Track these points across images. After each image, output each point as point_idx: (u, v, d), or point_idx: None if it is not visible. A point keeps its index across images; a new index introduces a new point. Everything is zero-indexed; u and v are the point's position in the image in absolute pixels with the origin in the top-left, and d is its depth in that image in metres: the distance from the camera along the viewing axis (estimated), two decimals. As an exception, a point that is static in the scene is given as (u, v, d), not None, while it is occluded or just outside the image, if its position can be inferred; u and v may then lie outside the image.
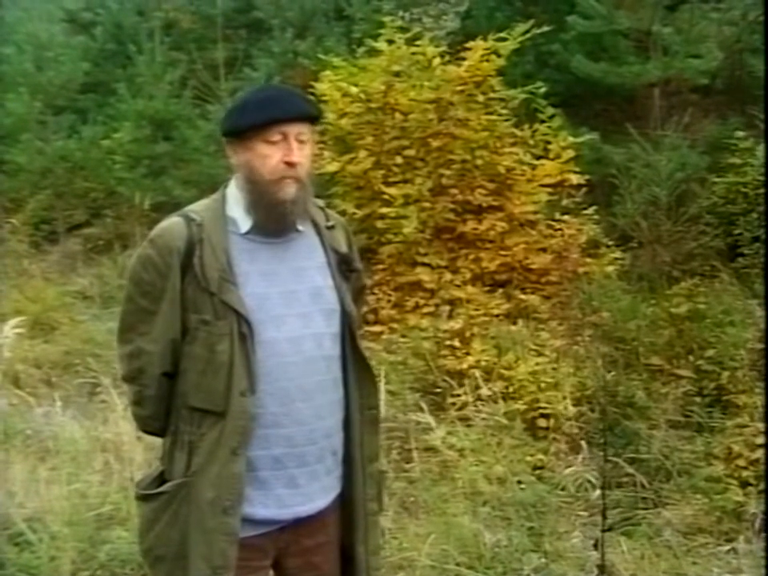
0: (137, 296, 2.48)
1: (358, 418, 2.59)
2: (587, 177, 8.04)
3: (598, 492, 4.72)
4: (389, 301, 7.28)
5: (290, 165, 2.40)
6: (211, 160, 10.81)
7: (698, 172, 8.69)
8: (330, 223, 2.62)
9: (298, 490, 2.48)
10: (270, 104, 2.44)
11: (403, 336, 6.78)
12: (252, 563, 2.47)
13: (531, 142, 7.82)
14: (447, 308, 6.87)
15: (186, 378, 2.44)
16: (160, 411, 2.51)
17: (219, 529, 2.39)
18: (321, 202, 2.67)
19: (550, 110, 7.77)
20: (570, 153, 7.65)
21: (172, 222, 2.47)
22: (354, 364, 2.58)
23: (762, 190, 7.95)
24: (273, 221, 2.46)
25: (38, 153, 11.52)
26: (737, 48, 9.90)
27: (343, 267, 2.61)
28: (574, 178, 7.59)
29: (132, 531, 4.52)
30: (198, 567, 2.40)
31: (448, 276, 7.28)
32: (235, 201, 2.49)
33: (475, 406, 5.89)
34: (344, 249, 2.63)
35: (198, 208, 2.51)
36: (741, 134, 8.34)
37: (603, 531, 3.96)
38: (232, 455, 2.38)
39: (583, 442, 5.51)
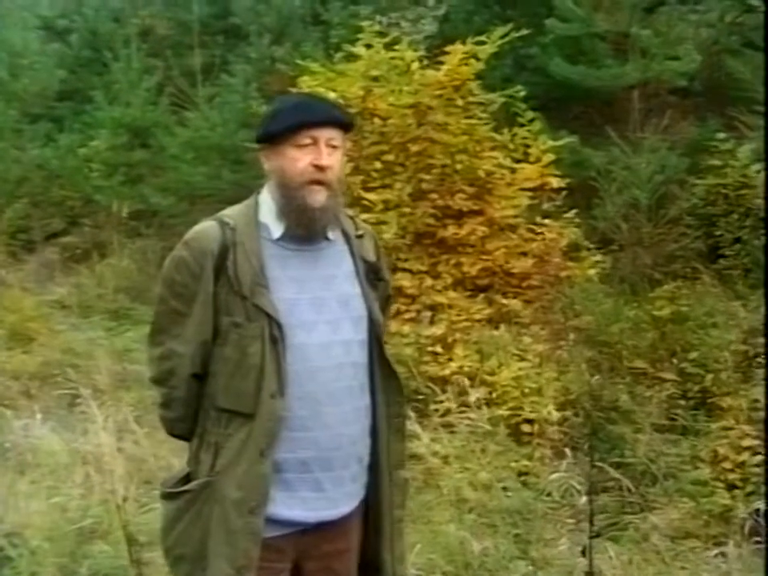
0: (169, 298, 2.53)
1: (385, 426, 2.62)
2: (567, 180, 8.02)
3: (584, 498, 4.69)
4: (370, 307, 7.20)
5: (319, 168, 2.44)
6: (189, 167, 10.76)
7: (677, 174, 8.69)
8: (359, 232, 2.67)
9: (323, 494, 2.50)
10: (301, 109, 2.51)
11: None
12: (272, 564, 2.48)
13: (511, 145, 7.79)
14: (429, 313, 6.83)
15: (215, 380, 2.48)
16: (188, 413, 2.54)
17: (244, 529, 2.41)
18: (350, 212, 2.73)
19: (530, 114, 7.74)
20: (551, 156, 7.63)
21: (206, 226, 2.52)
22: (381, 371, 2.61)
23: (742, 191, 7.97)
24: (302, 226, 2.50)
25: (14, 161, 11.43)
26: (715, 50, 9.91)
27: (371, 276, 2.65)
28: (555, 182, 7.57)
29: (113, 545, 4.48)
30: (219, 567, 2.42)
31: (429, 281, 7.23)
32: (268, 207, 2.53)
33: (459, 412, 5.86)
34: (372, 258, 2.67)
35: (231, 213, 2.55)
36: (722, 135, 8.35)
37: (591, 537, 3.92)
38: (260, 456, 2.41)
39: (567, 448, 5.49)
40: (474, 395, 5.92)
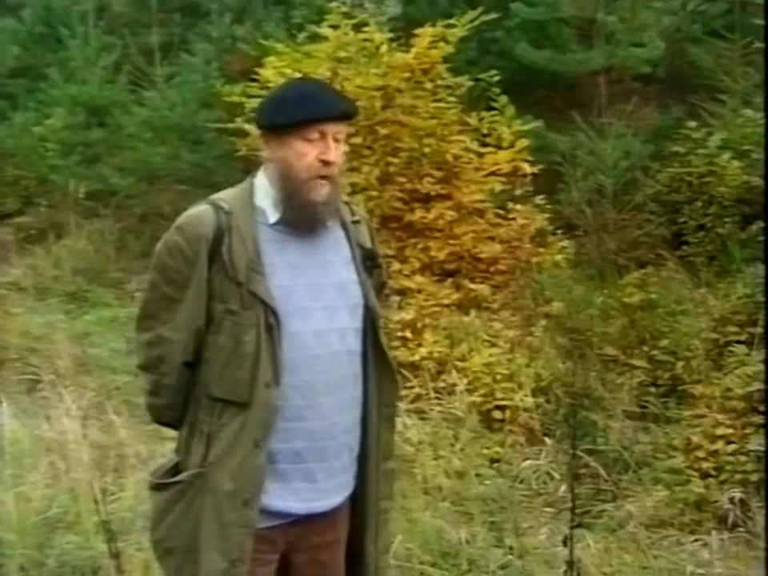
0: (162, 283, 2.46)
1: (376, 415, 2.58)
2: (531, 165, 8.01)
3: (562, 487, 4.69)
4: (337, 291, 7.15)
5: (326, 163, 2.39)
6: (148, 147, 10.56)
7: (642, 160, 8.73)
8: (355, 218, 2.62)
9: (315, 485, 2.47)
10: (309, 101, 2.41)
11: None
12: (262, 555, 2.44)
13: (482, 130, 7.75)
14: (397, 298, 6.78)
15: (208, 368, 2.42)
16: (178, 401, 2.49)
17: (238, 521, 2.36)
18: (346, 198, 2.68)
19: (503, 98, 7.71)
20: (524, 142, 7.60)
21: (200, 210, 2.45)
22: (375, 360, 2.56)
23: (706, 179, 8.03)
24: (304, 220, 2.45)
25: (-35, 140, 11.16)
26: (677, 37, 9.98)
27: (368, 263, 2.61)
28: (526, 167, 7.55)
29: (82, 535, 4.39)
30: (212, 560, 2.37)
31: (396, 265, 7.19)
32: (264, 191, 2.47)
33: (430, 398, 5.84)
34: (368, 244, 2.63)
35: (226, 196, 2.49)
36: (692, 124, 8.39)
37: (572, 527, 3.90)
38: (254, 447, 2.36)
39: (540, 435, 5.49)
40: (445, 381, 5.91)
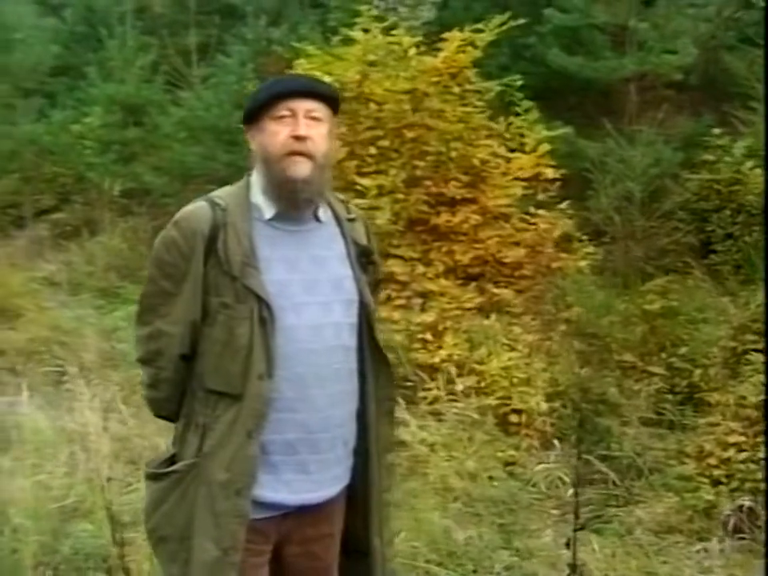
0: (159, 278, 2.50)
1: (374, 409, 2.60)
2: (561, 171, 8.01)
3: (570, 490, 4.68)
4: (361, 292, 7.19)
5: (298, 138, 2.42)
6: (182, 146, 10.69)
7: (671, 168, 8.69)
8: (351, 216, 2.65)
9: (308, 477, 2.50)
10: (276, 83, 2.52)
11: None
12: (255, 546, 2.47)
13: (507, 134, 7.76)
14: (419, 300, 6.81)
15: (203, 361, 2.46)
16: (175, 394, 2.53)
17: (231, 511, 2.40)
18: (342, 196, 2.71)
19: (526, 103, 7.72)
20: (546, 146, 7.60)
21: (197, 206, 2.50)
22: (371, 355, 2.59)
23: (735, 187, 7.97)
24: (284, 198, 2.47)
25: (5, 136, 11.33)
26: (711, 45, 9.90)
27: (363, 259, 2.64)
28: (550, 172, 7.55)
29: (96, 524, 4.46)
30: (205, 548, 2.40)
31: (421, 268, 7.21)
32: (258, 187, 2.51)
33: (447, 400, 5.86)
34: (364, 241, 2.66)
35: (223, 194, 2.53)
36: (717, 131, 8.34)
37: (576, 530, 3.91)
38: (247, 438, 2.39)
39: (555, 439, 5.49)
40: (462, 384, 5.93)
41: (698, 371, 5.81)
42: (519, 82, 7.71)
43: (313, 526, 2.56)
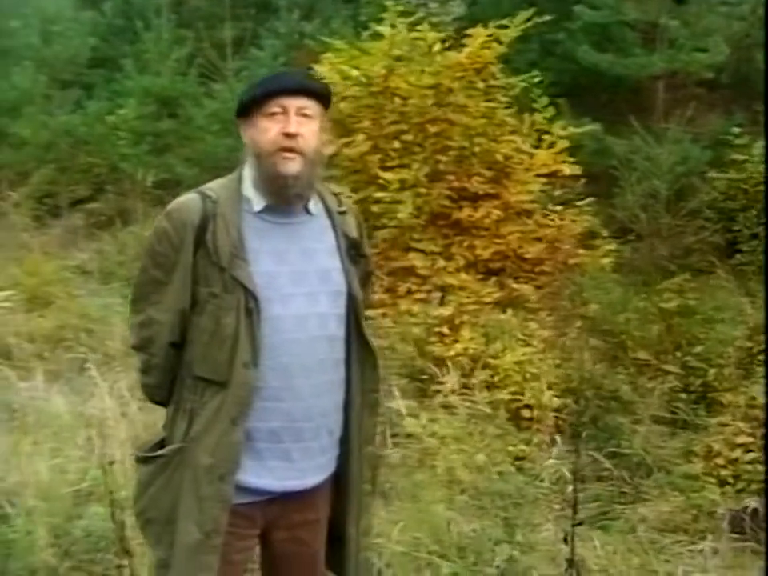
0: (150, 267, 2.56)
1: (359, 400, 2.65)
2: (588, 167, 7.98)
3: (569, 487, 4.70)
4: (381, 285, 7.24)
5: (289, 136, 2.46)
6: (215, 139, 10.80)
7: (699, 166, 8.63)
8: (342, 208, 2.69)
9: (292, 465, 2.54)
10: (269, 80, 2.55)
11: (394, 321, 6.76)
12: (240, 530, 2.53)
13: (525, 130, 7.76)
14: (438, 294, 6.84)
15: (192, 348, 2.52)
16: (166, 380, 2.59)
17: (214, 495, 2.46)
18: (335, 188, 2.76)
19: (545, 100, 7.71)
20: (564, 143, 7.59)
21: (188, 198, 2.55)
22: (358, 346, 2.63)
23: (761, 187, 7.89)
24: (275, 194, 2.51)
25: (42, 127, 11.50)
26: (745, 43, 9.79)
27: (352, 252, 2.68)
28: (567, 169, 7.53)
29: (109, 508, 4.55)
30: (188, 531, 2.46)
31: (441, 262, 7.25)
32: (250, 181, 2.56)
33: (461, 394, 5.88)
34: (354, 234, 2.70)
35: (215, 186, 2.59)
36: (737, 129, 8.27)
37: (574, 525, 3.92)
38: (231, 425, 2.45)
39: (564, 435, 5.49)
40: (476, 378, 5.94)
41: (712, 371, 5.78)
42: (537, 79, 7.68)
43: (299, 512, 2.61)
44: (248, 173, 2.57)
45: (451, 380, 5.97)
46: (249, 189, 2.55)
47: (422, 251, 7.34)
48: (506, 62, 8.28)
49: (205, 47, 11.87)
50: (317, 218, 2.62)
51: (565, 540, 4.00)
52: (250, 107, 2.52)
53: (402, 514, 4.55)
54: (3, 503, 4.56)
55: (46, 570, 4.11)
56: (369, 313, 7.06)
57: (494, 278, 7.25)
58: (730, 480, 4.73)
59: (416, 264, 7.22)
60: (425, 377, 6.09)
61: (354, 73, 7.80)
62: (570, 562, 3.95)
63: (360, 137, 7.62)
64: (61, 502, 4.59)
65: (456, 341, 6.26)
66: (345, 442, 2.65)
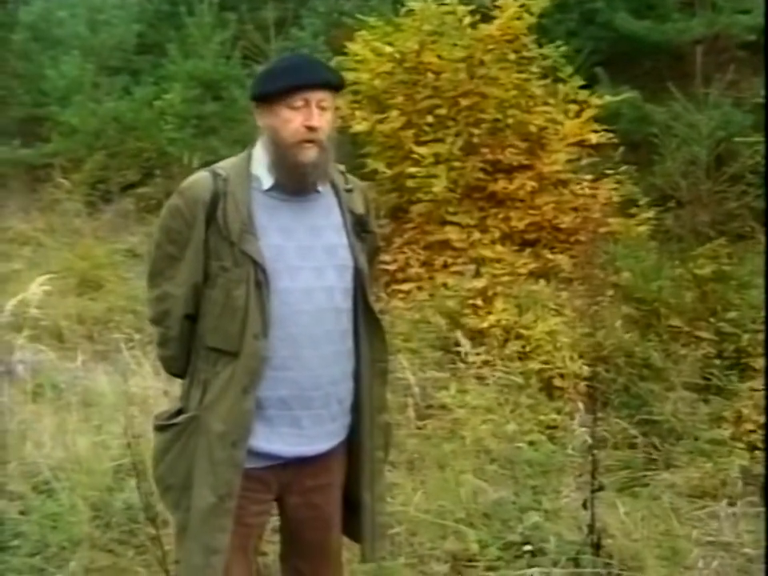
0: (165, 243, 2.66)
1: (368, 370, 2.75)
2: (628, 136, 7.94)
3: (596, 452, 4.72)
4: (418, 259, 7.31)
5: (311, 129, 2.56)
6: (258, 120, 10.84)
7: (741, 131, 8.48)
8: (348, 186, 2.78)
9: (302, 431, 2.64)
10: (294, 71, 2.60)
11: (431, 294, 6.82)
12: (255, 494, 2.64)
13: (555, 101, 7.71)
14: (472, 266, 6.87)
15: (205, 321, 2.63)
16: (182, 352, 2.70)
17: (226, 460, 2.56)
18: (342, 167, 2.82)
19: (569, 69, 7.65)
20: (591, 111, 7.54)
21: (199, 176, 2.66)
22: (365, 318, 2.74)
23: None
24: (294, 181, 2.62)
25: (90, 114, 11.70)
26: (789, 2, 9.56)
27: (358, 228, 2.76)
28: (594, 137, 7.49)
29: (148, 482, 4.69)
30: (203, 495, 2.57)
31: (477, 235, 7.27)
32: (259, 160, 2.65)
33: (493, 364, 5.92)
34: (360, 211, 2.78)
35: (225, 164, 2.69)
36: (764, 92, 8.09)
37: (593, 491, 3.97)
38: (243, 393, 2.55)
39: (590, 404, 5.50)
40: (508, 348, 5.98)
41: (746, 336, 5.74)
42: (562, 48, 7.62)
43: (311, 477, 2.71)
44: (258, 153, 2.66)
45: (484, 351, 6.03)
46: (258, 168, 2.64)
47: (457, 224, 7.37)
48: (544, 32, 8.24)
49: (248, 29, 11.95)
50: (324, 195, 2.71)
51: (584, 505, 4.06)
52: (271, 96, 2.59)
53: (429, 484, 4.64)
54: (49, 478, 4.73)
55: (89, 542, 4.26)
56: (404, 287, 7.15)
57: (529, 249, 7.25)
58: (760, 444, 4.72)
59: (452, 237, 7.26)
60: (459, 349, 6.13)
61: (388, 49, 7.82)
62: (591, 528, 4.01)
63: (394, 113, 7.66)
64: (102, 477, 4.76)
65: (489, 312, 6.31)
66: (356, 410, 2.75)
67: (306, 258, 2.62)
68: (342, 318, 2.69)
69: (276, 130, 2.58)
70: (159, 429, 2.73)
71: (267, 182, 2.62)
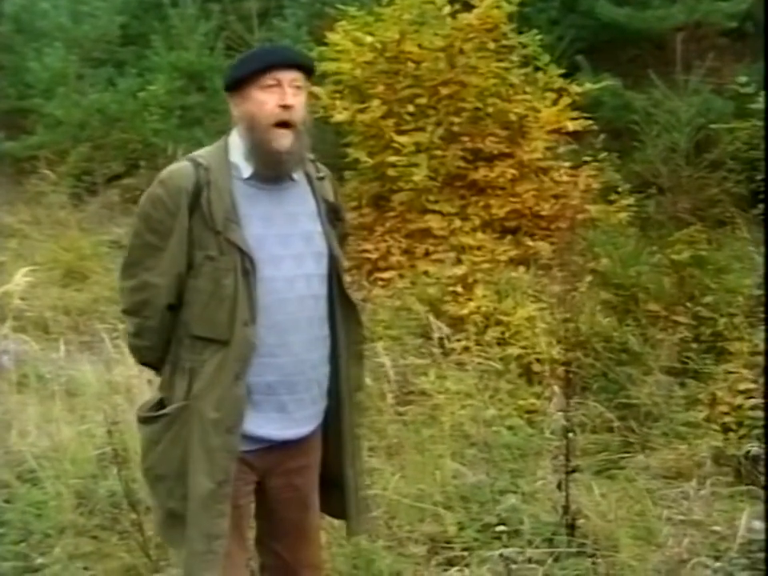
0: (145, 232, 2.67)
1: (344, 353, 2.82)
2: (610, 123, 8.00)
3: (571, 435, 4.78)
4: (399, 247, 7.37)
5: (285, 107, 2.59)
6: (242, 111, 10.85)
7: (722, 118, 8.54)
8: (320, 174, 2.84)
9: (288, 415, 2.71)
10: (263, 54, 2.69)
11: (412, 282, 6.88)
12: (244, 476, 2.69)
13: (532, 89, 7.77)
14: (452, 254, 6.93)
15: (189, 310, 2.65)
16: (160, 342, 2.71)
17: (222, 446, 2.59)
18: (312, 156, 2.84)
19: (546, 58, 7.71)
20: (567, 99, 7.61)
21: (181, 166, 2.68)
22: (341, 303, 2.81)
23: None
24: (270, 168, 2.66)
25: (74, 106, 11.69)
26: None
27: (331, 215, 2.83)
28: (571, 125, 7.55)
29: (132, 470, 4.75)
30: (200, 482, 2.60)
31: (458, 223, 7.34)
32: (236, 148, 2.68)
33: (473, 351, 5.98)
34: (332, 198, 2.85)
35: (204, 154, 2.72)
36: (744, 79, 8.15)
37: (567, 473, 4.05)
38: (235, 380, 2.59)
39: (568, 388, 5.56)
40: (488, 334, 6.04)
41: (722, 320, 5.80)
42: (539, 37, 7.68)
43: (293, 459, 2.77)
44: (235, 141, 2.69)
45: (464, 338, 6.09)
46: (236, 156, 2.67)
47: (438, 212, 7.43)
48: (526, 21, 8.29)
49: (231, 20, 11.94)
50: (298, 183, 2.76)
51: (559, 487, 4.14)
52: (243, 81, 2.62)
53: (408, 468, 4.70)
54: (33, 467, 4.79)
55: (73, 528, 4.33)
56: (386, 275, 7.19)
57: (509, 237, 7.32)
58: (734, 426, 4.79)
59: (433, 225, 7.32)
60: (440, 336, 6.19)
61: (368, 39, 7.86)
62: (566, 509, 4.08)
63: (375, 102, 7.70)
64: (86, 465, 4.82)
65: (469, 299, 6.36)
66: (335, 391, 2.82)
67: (287, 246, 2.67)
68: (321, 305, 2.75)
69: (251, 114, 2.61)
70: (145, 421, 2.75)
71: (246, 170, 2.66)
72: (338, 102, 7.80)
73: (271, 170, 2.66)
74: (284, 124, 2.60)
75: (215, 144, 2.76)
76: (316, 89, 7.86)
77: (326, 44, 8.20)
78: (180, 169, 2.66)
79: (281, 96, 2.59)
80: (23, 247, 9.92)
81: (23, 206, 11.43)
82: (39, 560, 4.12)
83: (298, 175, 2.74)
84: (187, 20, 11.75)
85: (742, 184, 8.35)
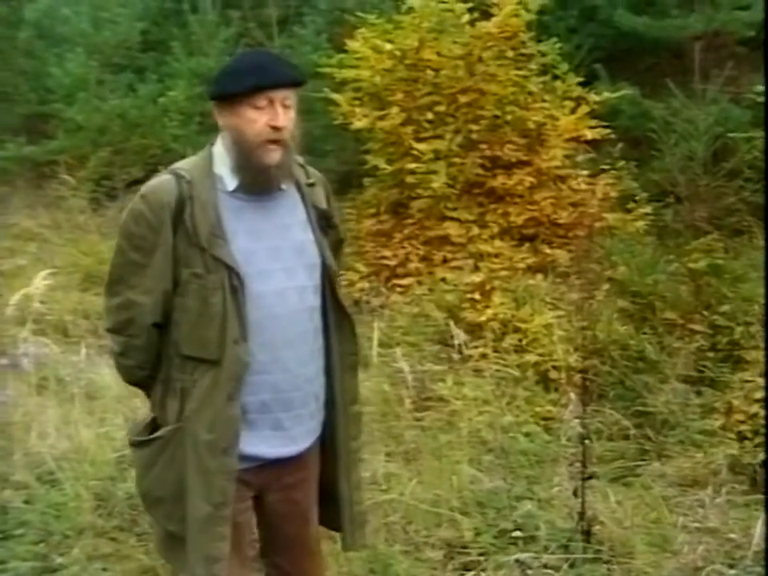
0: (128, 250, 2.57)
1: (339, 364, 2.76)
2: (628, 132, 8.01)
3: (586, 443, 4.80)
4: (417, 254, 7.41)
5: (276, 129, 2.51)
6: (261, 116, 10.91)
7: (740, 127, 8.53)
8: (310, 180, 2.73)
9: (284, 432, 2.66)
10: (257, 71, 2.53)
11: (430, 289, 6.91)
12: (239, 493, 2.62)
13: (550, 97, 7.80)
14: (470, 261, 6.96)
15: (178, 329, 2.57)
16: (147, 360, 2.63)
17: (218, 468, 2.54)
18: (301, 160, 2.76)
19: (565, 66, 7.74)
20: (586, 108, 7.63)
21: (162, 179, 2.58)
22: (335, 314, 2.74)
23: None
24: (258, 183, 2.58)
25: (95, 111, 11.74)
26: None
27: (323, 223, 2.74)
28: (589, 133, 7.57)
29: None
30: (197, 506, 2.55)
31: (476, 230, 7.36)
32: (222, 159, 2.59)
33: (491, 358, 6.01)
34: (323, 205, 2.75)
35: (186, 165, 2.61)
36: (761, 88, 8.14)
37: (584, 479, 4.07)
38: (228, 400, 2.52)
39: (595, 396, 5.58)
40: (505, 341, 6.07)
41: (739, 329, 5.82)
42: (557, 45, 7.70)
43: (291, 474, 2.73)
44: (220, 152, 2.61)
45: (482, 344, 6.12)
46: (221, 168, 2.59)
47: (456, 220, 7.46)
48: (545, 29, 8.32)
49: (250, 27, 11.99)
50: (287, 193, 2.67)
51: (575, 494, 4.16)
52: (234, 95, 2.52)
53: (425, 474, 4.73)
54: (53, 468, 4.83)
55: (92, 530, 4.36)
56: (404, 281, 7.25)
57: (527, 244, 7.34)
58: (749, 435, 4.81)
59: (451, 233, 7.35)
60: (458, 342, 6.21)
61: (388, 46, 7.90)
62: (581, 515, 4.10)
63: (394, 109, 7.74)
64: (105, 467, 4.86)
65: (487, 306, 6.38)
66: (330, 404, 2.77)
67: (276, 259, 2.60)
68: (314, 316, 2.69)
69: (240, 130, 2.52)
70: (138, 445, 2.68)
71: (231, 183, 2.58)
72: (357, 109, 7.84)
73: (259, 185, 2.59)
74: (274, 141, 2.52)
75: (199, 154, 2.67)
76: (335, 96, 7.93)
77: (345, 51, 8.24)
78: (162, 183, 2.56)
79: (272, 116, 2.50)
80: (43, 251, 9.98)
81: (43, 210, 11.49)
82: (58, 561, 4.15)
83: (286, 184, 2.65)
84: (207, 26, 11.79)
85: (759, 193, 8.32)
